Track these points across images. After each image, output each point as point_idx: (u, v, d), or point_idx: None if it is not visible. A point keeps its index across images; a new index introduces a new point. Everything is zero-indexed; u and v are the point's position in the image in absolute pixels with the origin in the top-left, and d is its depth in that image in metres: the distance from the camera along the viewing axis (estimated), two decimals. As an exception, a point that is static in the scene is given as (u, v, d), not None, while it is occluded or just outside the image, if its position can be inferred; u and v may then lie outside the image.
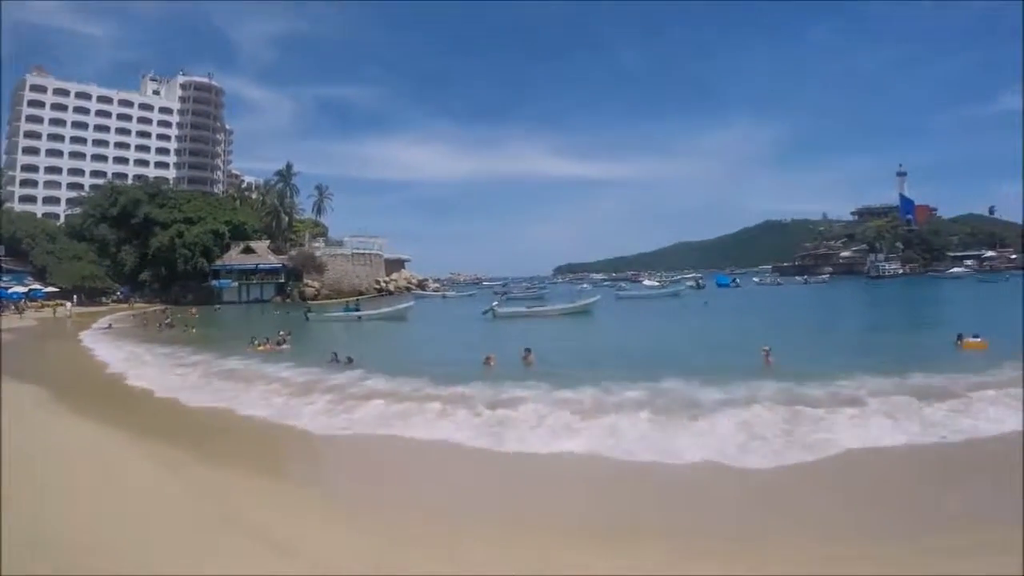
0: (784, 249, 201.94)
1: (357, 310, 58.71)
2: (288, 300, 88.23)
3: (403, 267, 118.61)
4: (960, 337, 25.90)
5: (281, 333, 35.62)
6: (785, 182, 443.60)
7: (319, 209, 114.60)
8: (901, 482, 11.29)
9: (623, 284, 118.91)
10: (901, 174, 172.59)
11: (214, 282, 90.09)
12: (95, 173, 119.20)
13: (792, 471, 11.55)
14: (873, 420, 14.15)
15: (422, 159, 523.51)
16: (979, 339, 25.29)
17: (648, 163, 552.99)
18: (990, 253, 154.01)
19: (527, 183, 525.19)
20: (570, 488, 11.63)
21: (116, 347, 36.14)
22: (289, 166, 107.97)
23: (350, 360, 25.50)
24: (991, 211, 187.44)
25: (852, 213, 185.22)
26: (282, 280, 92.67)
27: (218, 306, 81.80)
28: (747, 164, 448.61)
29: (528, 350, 25.52)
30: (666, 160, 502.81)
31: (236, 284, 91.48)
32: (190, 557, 7.79)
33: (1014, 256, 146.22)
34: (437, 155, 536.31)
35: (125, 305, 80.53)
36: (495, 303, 58.44)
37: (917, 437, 13.13)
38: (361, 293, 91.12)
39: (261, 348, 32.09)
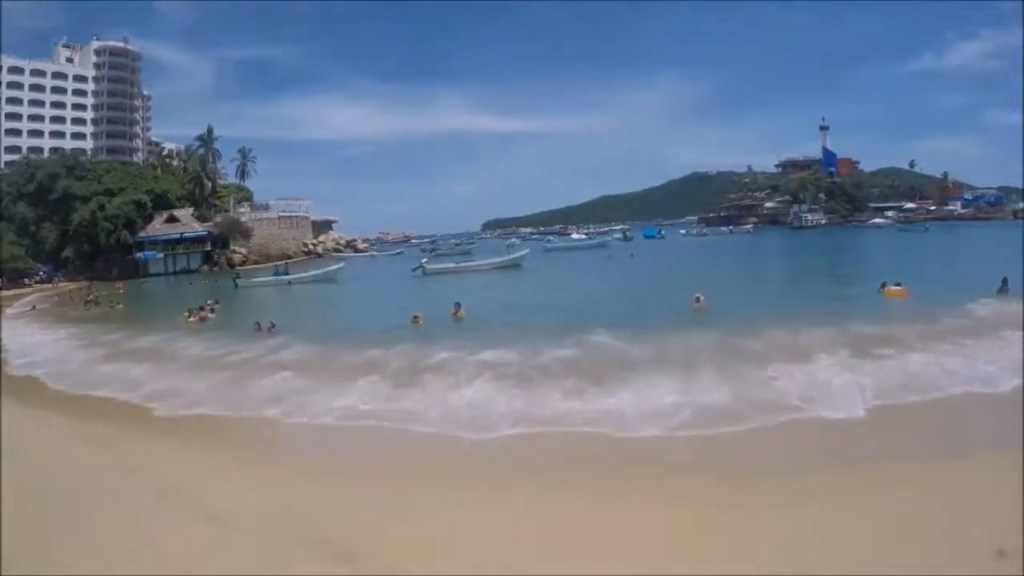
0: (710, 201, 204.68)
1: (286, 274, 57.48)
2: (216, 268, 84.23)
3: (331, 228, 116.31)
4: (884, 285, 26.12)
5: (208, 303, 34.05)
6: (711, 135, 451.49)
7: (243, 173, 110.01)
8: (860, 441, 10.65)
9: (551, 238, 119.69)
10: (824, 128, 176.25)
11: (139, 255, 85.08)
12: (10, 149, 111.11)
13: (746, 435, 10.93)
14: (821, 375, 13.60)
15: (347, 119, 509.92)
16: (900, 287, 25.59)
17: (575, 117, 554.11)
18: (910, 205, 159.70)
19: (454, 140, 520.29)
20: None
21: (29, 331, 33.91)
22: (210, 130, 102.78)
23: (272, 327, 24.53)
24: (911, 165, 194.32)
25: (776, 165, 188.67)
26: (208, 248, 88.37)
27: (144, 279, 78.24)
28: (673, 118, 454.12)
29: (458, 304, 25.34)
30: (593, 114, 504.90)
31: (162, 255, 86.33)
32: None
33: (933, 207, 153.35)
34: (362, 114, 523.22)
35: (49, 286, 75.63)
36: (424, 260, 57.62)
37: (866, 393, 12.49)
38: (289, 257, 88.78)
39: (192, 319, 30.55)
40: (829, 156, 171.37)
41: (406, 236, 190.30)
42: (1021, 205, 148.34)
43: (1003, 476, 8.03)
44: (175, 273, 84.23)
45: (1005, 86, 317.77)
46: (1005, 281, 23.88)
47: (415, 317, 23.81)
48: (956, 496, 7.94)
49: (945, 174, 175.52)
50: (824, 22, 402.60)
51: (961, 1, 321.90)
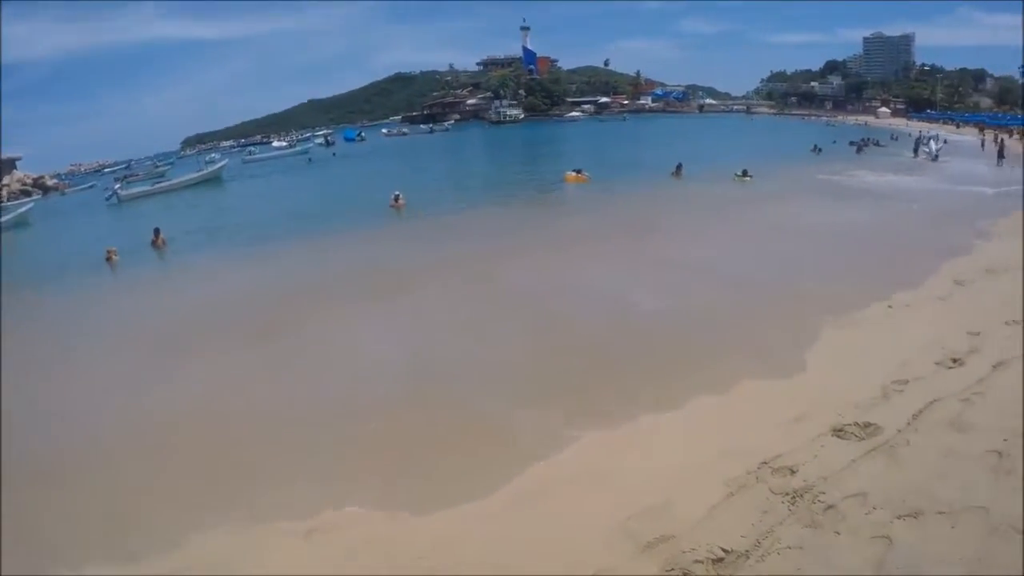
0: (414, 101, 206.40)
1: None
2: None
3: (15, 168, 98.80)
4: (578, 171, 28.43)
5: None
6: (413, 34, 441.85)
7: None
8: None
9: (252, 149, 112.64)
10: (524, 28, 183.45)
11: None
12: None
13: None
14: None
15: (11, 36, 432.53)
16: (581, 173, 26.84)
17: (273, 18, 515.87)
18: (604, 99, 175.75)
19: (145, 50, 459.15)
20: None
21: None
22: None
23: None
24: (606, 63, 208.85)
25: (478, 64, 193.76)
26: None
27: None
28: (375, 15, 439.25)
29: (157, 231, 22.44)
30: (292, 14, 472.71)
31: None
32: None
33: (626, 102, 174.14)
34: (35, 29, 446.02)
35: None
36: (117, 186, 51.78)
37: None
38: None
39: None
40: (529, 55, 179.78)
41: (100, 165, 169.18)
42: (705, 100, 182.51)
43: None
44: None
45: None
46: (679, 167, 28.89)
47: (109, 253, 20.62)
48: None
49: (638, 72, 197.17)
50: None
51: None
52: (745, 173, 26.21)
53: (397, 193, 24.41)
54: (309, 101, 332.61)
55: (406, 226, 21.69)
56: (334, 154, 67.42)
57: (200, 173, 53.98)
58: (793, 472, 5.31)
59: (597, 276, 13.19)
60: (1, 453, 8.27)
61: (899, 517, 4.57)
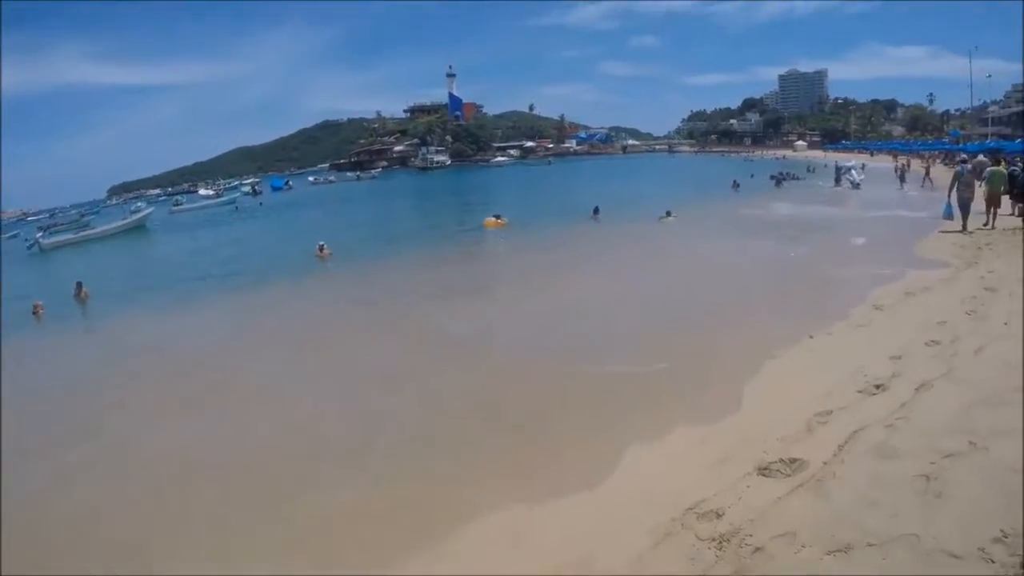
0: (342, 148, 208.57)
1: None
2: None
3: None
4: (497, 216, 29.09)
5: None
6: (342, 81, 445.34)
7: None
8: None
9: (179, 198, 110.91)
10: (450, 75, 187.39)
11: None
12: None
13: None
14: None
15: None
16: (500, 218, 28.39)
17: (201, 65, 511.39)
18: (530, 143, 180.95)
19: (72, 95, 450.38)
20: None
21: None
22: None
23: None
24: (531, 108, 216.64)
25: (405, 110, 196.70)
26: None
27: None
28: (304, 64, 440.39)
29: (80, 285, 21.76)
30: (220, 60, 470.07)
31: None
32: None
33: (551, 145, 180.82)
34: None
35: None
36: (39, 235, 50.95)
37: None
38: None
39: None
40: (455, 101, 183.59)
41: (23, 213, 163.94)
42: (628, 141, 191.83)
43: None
44: None
45: (617, 43, 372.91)
46: (596, 210, 29.54)
47: (35, 307, 19.61)
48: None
49: (562, 116, 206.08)
50: None
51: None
52: (668, 214, 26.68)
53: (322, 243, 24.34)
54: (237, 149, 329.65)
55: (330, 276, 21.58)
56: (261, 204, 67.25)
57: (125, 222, 53.56)
58: (719, 516, 5.15)
59: (516, 323, 13.07)
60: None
61: (829, 553, 4.43)
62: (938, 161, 62.69)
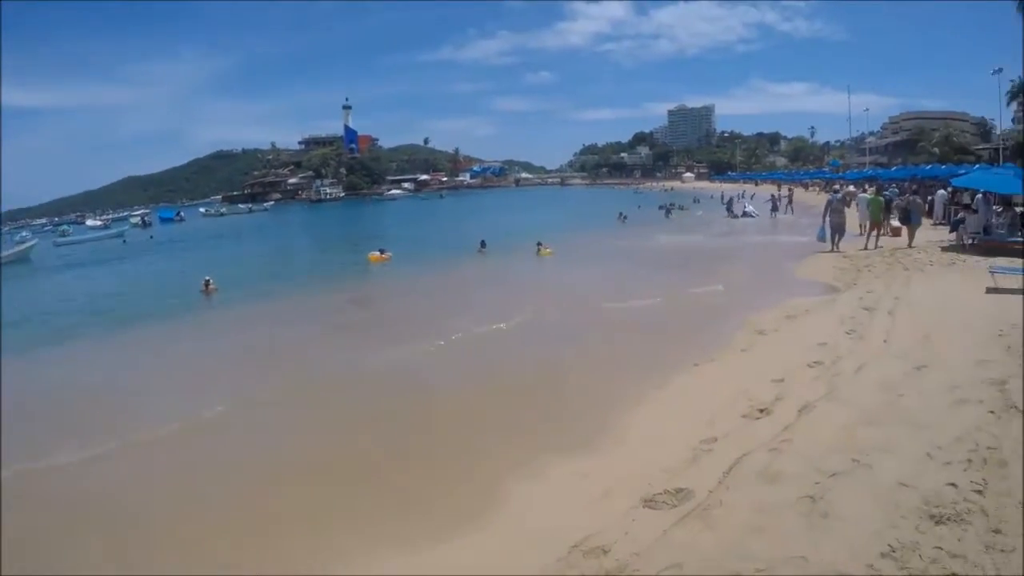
0: (236, 179, 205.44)
1: None
2: None
3: None
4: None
5: None
6: (237, 111, 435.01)
7: None
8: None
9: (65, 228, 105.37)
10: (347, 107, 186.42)
11: None
12: None
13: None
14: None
15: None
16: (384, 253, 28.59)
17: (91, 89, 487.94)
18: (424, 177, 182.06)
19: None
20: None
21: None
22: None
23: None
24: (426, 141, 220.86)
25: (300, 142, 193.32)
26: None
27: None
28: (198, 92, 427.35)
29: None
30: (112, 86, 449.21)
31: None
32: None
33: (445, 179, 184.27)
34: None
35: None
36: None
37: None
38: None
39: None
40: (350, 133, 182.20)
41: None
42: (521, 174, 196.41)
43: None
44: None
45: (512, 78, 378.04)
46: (483, 243, 29.05)
47: None
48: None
49: (456, 149, 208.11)
50: (352, 12, 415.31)
51: (487, 3, 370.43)
52: (541, 245, 26.90)
53: (208, 279, 23.34)
54: (128, 178, 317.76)
55: (214, 314, 20.46)
56: (151, 236, 64.76)
57: (7, 253, 50.65)
58: (606, 552, 4.93)
59: (394, 361, 12.30)
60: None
61: (717, 583, 4.29)
62: (819, 189, 67.02)
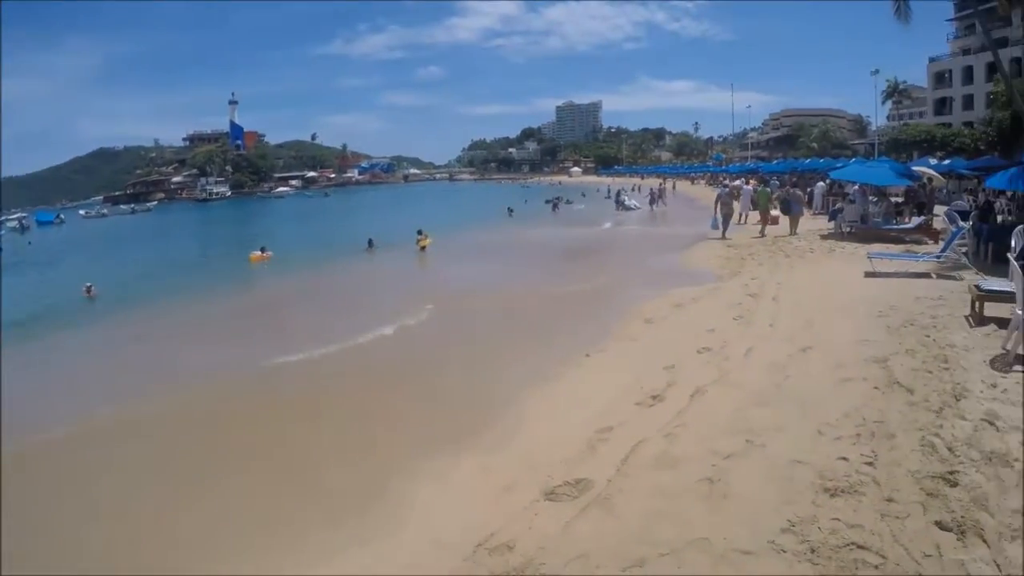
0: (119, 178, 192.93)
1: None
2: None
3: None
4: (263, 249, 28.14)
5: None
6: (119, 106, 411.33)
7: None
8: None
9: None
10: (233, 102, 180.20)
11: None
12: None
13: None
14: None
15: None
16: (265, 252, 27.85)
17: None
18: (312, 173, 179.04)
19: None
20: None
21: None
22: None
23: None
24: (313, 137, 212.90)
25: (184, 139, 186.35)
26: None
27: None
28: (79, 86, 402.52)
29: None
30: None
31: None
32: None
33: (333, 175, 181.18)
34: None
35: None
36: None
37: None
38: None
39: None
40: (236, 129, 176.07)
41: None
42: (410, 170, 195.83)
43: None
44: None
45: (401, 73, 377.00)
46: (370, 242, 28.66)
47: None
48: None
49: (344, 146, 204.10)
50: (242, 6, 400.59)
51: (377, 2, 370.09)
52: (421, 234, 27.09)
53: (89, 284, 22.50)
54: (6, 178, 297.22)
55: (100, 324, 19.12)
56: (30, 243, 60.33)
57: None
58: (511, 548, 4.85)
59: (282, 372, 11.42)
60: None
61: (624, 570, 4.30)
62: (704, 183, 69.56)
